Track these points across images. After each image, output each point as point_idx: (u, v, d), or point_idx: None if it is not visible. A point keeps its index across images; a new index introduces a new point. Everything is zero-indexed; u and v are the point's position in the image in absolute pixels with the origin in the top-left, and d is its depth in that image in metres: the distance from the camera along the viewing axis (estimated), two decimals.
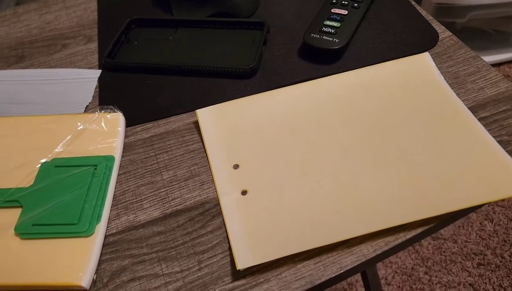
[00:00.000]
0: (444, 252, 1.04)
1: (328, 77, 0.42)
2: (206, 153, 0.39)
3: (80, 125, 0.40)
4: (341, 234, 0.31)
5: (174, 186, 0.37)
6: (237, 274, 0.31)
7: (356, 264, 0.31)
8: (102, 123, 0.40)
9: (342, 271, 0.30)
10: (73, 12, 0.57)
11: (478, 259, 1.02)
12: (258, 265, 0.31)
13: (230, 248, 0.32)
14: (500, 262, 1.01)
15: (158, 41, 0.50)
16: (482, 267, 1.01)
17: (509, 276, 0.99)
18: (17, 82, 0.47)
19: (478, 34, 1.42)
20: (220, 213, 0.34)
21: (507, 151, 0.35)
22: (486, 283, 0.98)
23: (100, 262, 0.32)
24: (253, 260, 0.30)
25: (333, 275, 0.30)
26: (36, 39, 0.53)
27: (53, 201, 0.34)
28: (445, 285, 0.98)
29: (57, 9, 0.58)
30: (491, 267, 1.01)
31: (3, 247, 0.32)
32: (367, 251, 0.31)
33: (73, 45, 0.52)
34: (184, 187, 0.36)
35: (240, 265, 0.30)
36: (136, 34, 0.51)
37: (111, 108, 0.41)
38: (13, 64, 0.50)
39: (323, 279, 0.30)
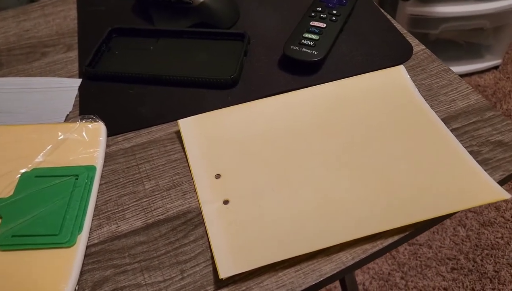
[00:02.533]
0: (419, 257, 1.07)
1: (308, 88, 0.43)
2: (188, 162, 0.39)
3: (61, 135, 0.39)
4: (320, 242, 0.32)
5: (156, 196, 0.37)
6: (220, 283, 0.31)
7: (335, 271, 0.32)
8: (83, 133, 0.40)
9: (322, 279, 0.31)
10: (52, 20, 0.57)
11: (452, 263, 1.05)
12: (240, 274, 0.32)
13: (212, 257, 0.33)
14: (473, 266, 1.04)
15: (139, 50, 0.50)
16: (456, 271, 1.04)
17: (481, 280, 1.02)
18: None
19: (451, 45, 1.47)
20: (202, 223, 0.35)
21: (477, 161, 0.37)
22: (459, 287, 1.01)
23: (82, 273, 0.32)
24: (235, 269, 0.31)
25: (313, 283, 0.31)
26: (14, 47, 0.53)
27: (33, 212, 0.34)
28: (420, 290, 1.01)
29: (35, 17, 0.58)
30: (464, 271, 1.04)
31: None
32: (345, 259, 0.32)
33: (53, 54, 0.52)
34: (166, 197, 0.37)
35: (223, 274, 0.31)
36: (117, 43, 0.51)
37: (92, 118, 0.41)
38: None
39: (303, 287, 0.31)
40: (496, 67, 1.50)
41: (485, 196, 0.34)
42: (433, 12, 1.26)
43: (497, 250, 1.07)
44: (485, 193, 0.34)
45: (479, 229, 1.11)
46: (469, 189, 0.35)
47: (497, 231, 1.10)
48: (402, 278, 1.03)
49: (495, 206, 1.15)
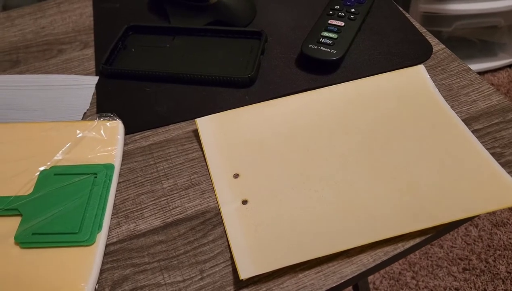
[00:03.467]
0: (430, 257, 1.06)
1: (327, 88, 0.43)
2: (206, 161, 0.39)
3: (79, 133, 0.39)
4: (341, 244, 0.32)
5: (175, 195, 0.37)
6: (240, 284, 0.31)
7: (356, 273, 0.31)
8: (102, 131, 0.40)
9: (342, 281, 0.31)
10: (68, 17, 0.57)
11: (464, 264, 1.04)
12: (260, 275, 0.31)
13: (231, 258, 0.33)
14: (485, 267, 1.03)
15: (156, 48, 0.50)
16: (467, 272, 1.03)
17: (493, 281, 1.01)
18: (12, 88, 0.47)
19: (464, 43, 1.45)
20: (221, 222, 0.35)
21: (500, 163, 0.36)
22: (471, 288, 1.00)
23: (101, 272, 0.32)
24: (255, 270, 0.31)
25: (334, 285, 0.31)
26: (31, 44, 0.53)
27: (53, 210, 0.34)
28: (431, 290, 1.00)
29: (52, 14, 0.58)
30: (476, 272, 1.03)
31: (2, 256, 0.32)
32: (366, 261, 0.32)
33: (69, 51, 0.52)
34: (185, 196, 0.37)
35: (243, 274, 0.30)
36: (133, 41, 0.51)
37: (110, 116, 0.41)
38: (8, 69, 0.50)
39: (324, 289, 0.31)
40: (510, 66, 1.48)
41: (508, 199, 0.33)
42: (447, 10, 1.24)
43: (509, 251, 1.06)
44: (508, 195, 0.34)
45: (491, 229, 1.10)
46: (492, 192, 0.34)
47: (510, 232, 1.09)
48: (413, 277, 1.03)
49: None
